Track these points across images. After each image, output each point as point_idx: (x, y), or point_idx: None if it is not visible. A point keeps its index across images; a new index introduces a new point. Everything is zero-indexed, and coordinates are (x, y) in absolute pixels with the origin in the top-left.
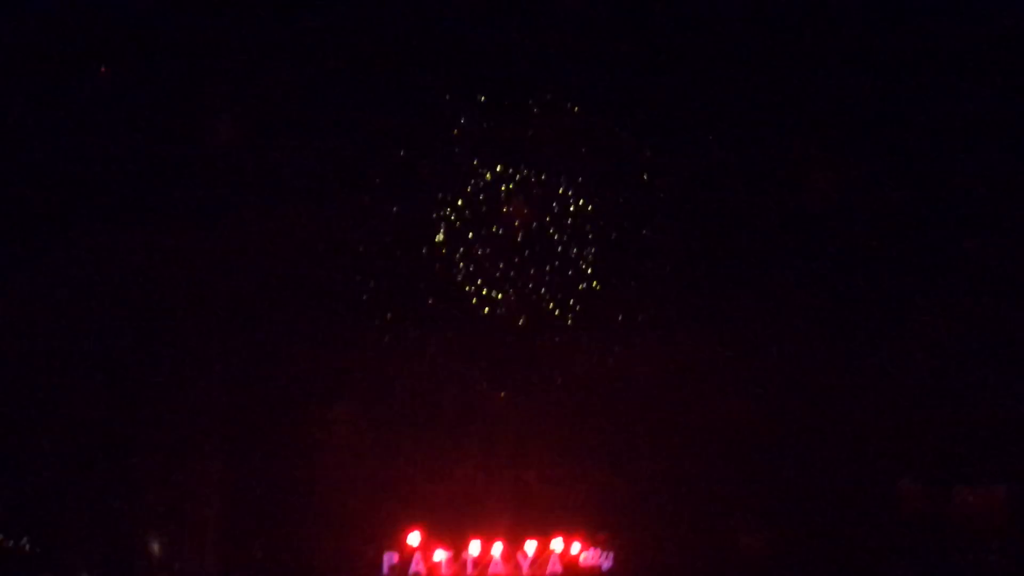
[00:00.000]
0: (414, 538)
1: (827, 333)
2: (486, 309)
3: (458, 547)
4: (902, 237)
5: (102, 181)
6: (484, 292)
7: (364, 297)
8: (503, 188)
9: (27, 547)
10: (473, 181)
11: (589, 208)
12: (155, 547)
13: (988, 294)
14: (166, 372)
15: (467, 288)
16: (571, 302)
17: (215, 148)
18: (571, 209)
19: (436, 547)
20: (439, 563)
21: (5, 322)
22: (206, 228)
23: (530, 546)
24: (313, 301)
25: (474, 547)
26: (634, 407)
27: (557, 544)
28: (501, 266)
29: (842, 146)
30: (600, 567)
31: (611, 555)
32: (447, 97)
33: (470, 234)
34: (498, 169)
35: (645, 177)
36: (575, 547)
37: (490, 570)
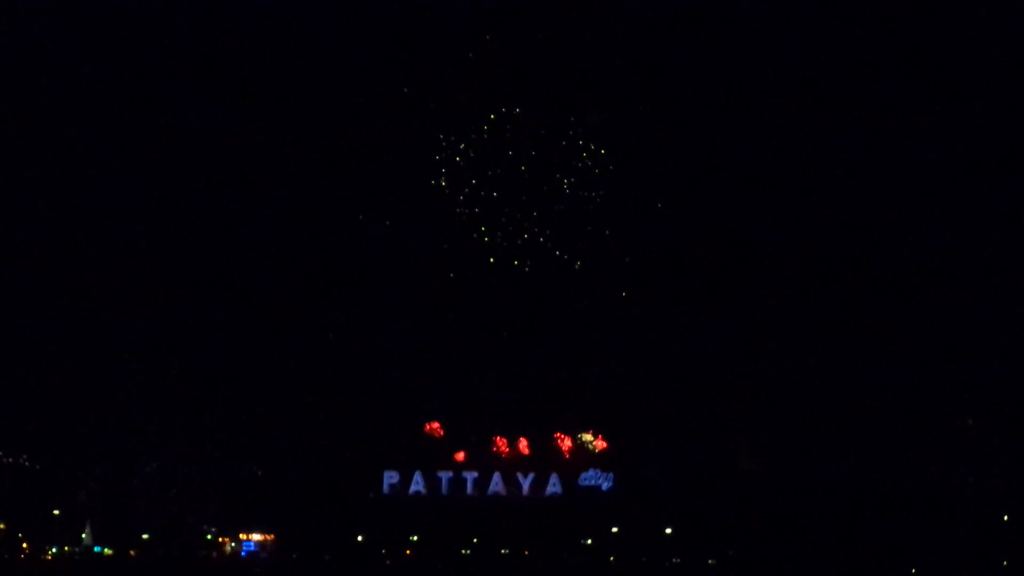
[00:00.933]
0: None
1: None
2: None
3: (459, 467)
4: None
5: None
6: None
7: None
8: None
9: (26, 463)
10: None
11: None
12: (152, 467)
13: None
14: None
15: (480, 229)
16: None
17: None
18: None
19: (437, 466)
20: (439, 482)
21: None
22: None
23: (530, 471)
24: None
25: (474, 468)
26: (638, 334)
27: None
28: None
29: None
30: (600, 487)
31: (611, 476)
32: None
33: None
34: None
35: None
36: (574, 469)
37: (490, 490)
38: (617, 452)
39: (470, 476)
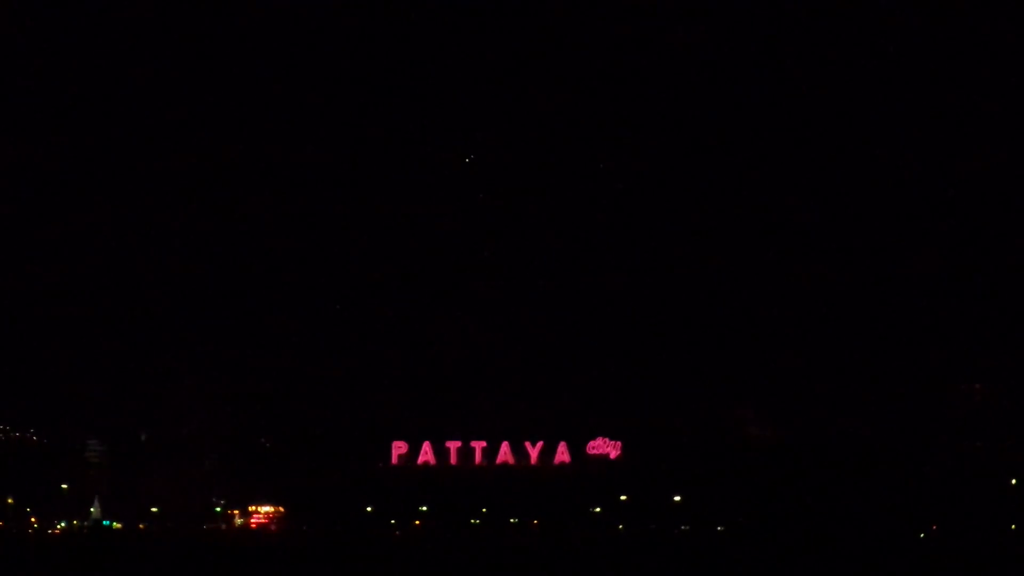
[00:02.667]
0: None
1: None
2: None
3: (467, 437)
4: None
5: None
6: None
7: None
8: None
9: (34, 438)
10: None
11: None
12: (161, 441)
13: None
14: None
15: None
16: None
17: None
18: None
19: (445, 436)
20: (448, 452)
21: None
22: None
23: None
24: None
25: (483, 438)
26: (643, 305)
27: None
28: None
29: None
30: (608, 455)
31: (619, 444)
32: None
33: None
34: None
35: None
36: (583, 437)
37: (499, 459)
38: (626, 423)
39: (479, 445)
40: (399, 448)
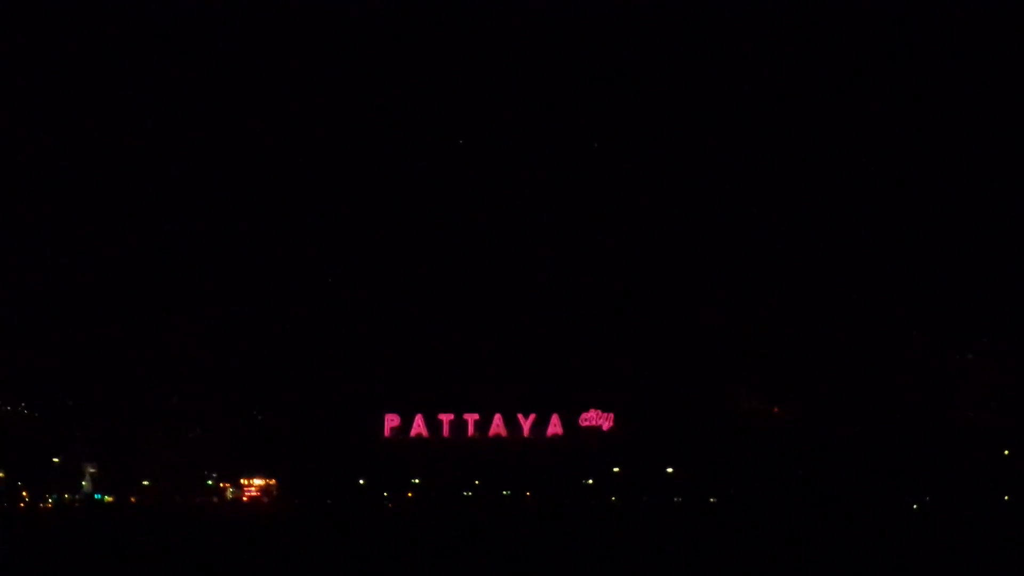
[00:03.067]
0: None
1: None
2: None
3: (460, 409)
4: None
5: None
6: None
7: None
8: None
9: (25, 411)
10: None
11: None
12: (152, 414)
13: None
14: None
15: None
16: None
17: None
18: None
19: (438, 409)
20: (441, 424)
21: None
22: None
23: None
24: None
25: (475, 410)
26: (637, 278)
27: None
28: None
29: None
30: (601, 427)
31: (612, 416)
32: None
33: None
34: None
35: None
36: (575, 410)
37: (491, 431)
38: (619, 395)
39: (471, 418)
40: (391, 421)
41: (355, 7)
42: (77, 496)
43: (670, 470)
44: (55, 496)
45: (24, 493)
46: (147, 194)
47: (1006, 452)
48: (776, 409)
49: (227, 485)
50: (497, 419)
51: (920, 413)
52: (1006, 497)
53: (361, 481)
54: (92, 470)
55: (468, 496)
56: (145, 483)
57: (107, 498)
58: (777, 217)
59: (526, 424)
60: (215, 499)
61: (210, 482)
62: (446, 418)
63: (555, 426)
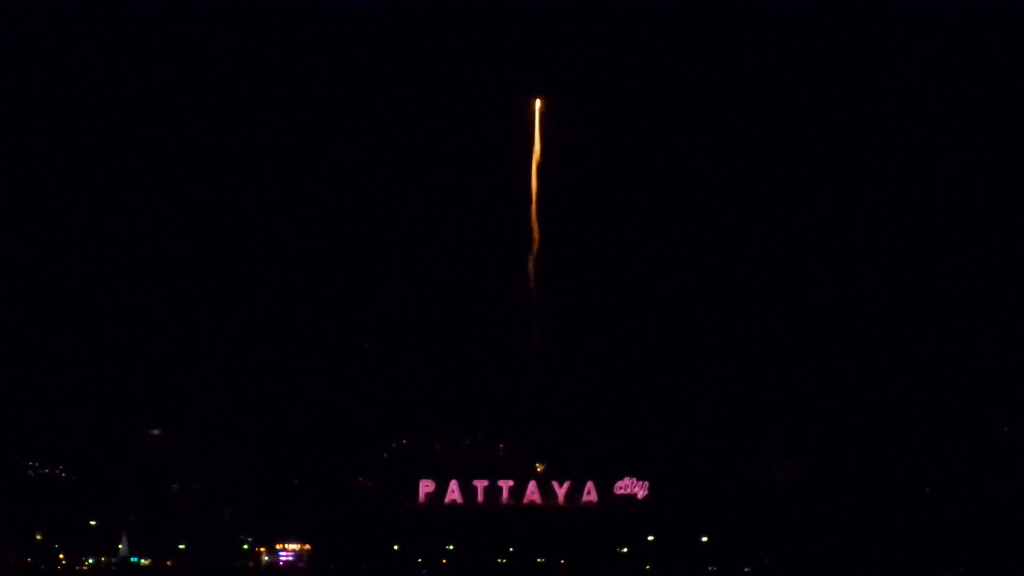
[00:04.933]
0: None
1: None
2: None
3: (494, 476)
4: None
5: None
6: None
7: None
8: None
9: (63, 474)
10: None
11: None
12: (188, 477)
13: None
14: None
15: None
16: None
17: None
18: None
19: (473, 475)
20: (475, 490)
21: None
22: None
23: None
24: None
25: (509, 477)
26: (672, 345)
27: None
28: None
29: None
30: (635, 495)
31: (647, 484)
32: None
33: None
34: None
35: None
36: (610, 477)
37: (526, 498)
38: (654, 463)
39: (506, 485)
40: (426, 486)
41: (355, 7)
42: (114, 559)
43: (705, 539)
44: (92, 559)
45: (61, 556)
46: (178, 259)
47: None
48: (811, 478)
49: (262, 549)
50: (532, 486)
51: (963, 484)
52: None
53: (396, 547)
54: (129, 533)
55: (502, 563)
56: (181, 547)
57: (144, 561)
58: (813, 286)
59: (561, 491)
60: (251, 564)
61: (245, 547)
62: (481, 484)
63: (590, 494)
